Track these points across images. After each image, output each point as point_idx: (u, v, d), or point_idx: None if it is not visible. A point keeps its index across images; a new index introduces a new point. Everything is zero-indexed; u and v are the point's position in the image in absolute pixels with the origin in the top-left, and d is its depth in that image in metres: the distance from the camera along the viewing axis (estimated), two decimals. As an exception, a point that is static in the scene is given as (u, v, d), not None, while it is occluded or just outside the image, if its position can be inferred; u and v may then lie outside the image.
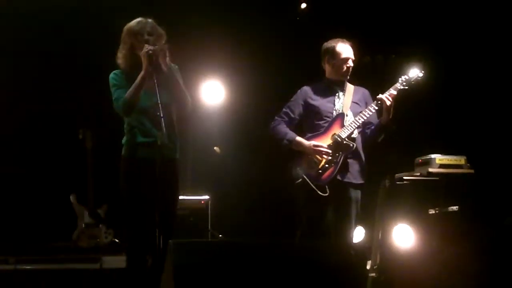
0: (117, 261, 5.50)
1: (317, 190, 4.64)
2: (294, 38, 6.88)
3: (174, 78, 4.30)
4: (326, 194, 4.63)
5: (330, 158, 4.69)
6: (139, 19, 4.37)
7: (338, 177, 4.70)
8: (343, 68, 4.85)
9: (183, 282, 3.21)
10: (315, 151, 4.72)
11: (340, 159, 4.69)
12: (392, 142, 5.07)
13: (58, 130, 6.68)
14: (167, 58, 4.33)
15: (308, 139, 4.79)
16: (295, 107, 4.92)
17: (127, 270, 4.37)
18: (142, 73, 4.21)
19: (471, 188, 5.40)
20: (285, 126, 4.88)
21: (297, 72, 5.00)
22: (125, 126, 4.42)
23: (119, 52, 4.39)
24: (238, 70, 7.07)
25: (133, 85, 4.23)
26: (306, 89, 4.96)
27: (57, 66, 6.70)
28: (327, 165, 4.69)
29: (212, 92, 7.22)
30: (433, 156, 5.50)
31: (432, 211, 5.48)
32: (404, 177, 5.60)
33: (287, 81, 4.96)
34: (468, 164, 5.51)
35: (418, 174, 5.56)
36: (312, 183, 4.67)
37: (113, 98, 4.34)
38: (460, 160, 5.52)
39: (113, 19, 5.22)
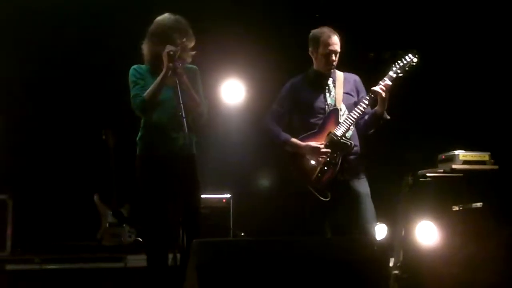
0: (141, 260, 5.52)
1: (318, 195, 4.44)
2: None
3: (185, 85, 4.25)
4: (328, 199, 4.43)
5: (328, 159, 4.46)
6: (170, 16, 4.35)
7: (340, 177, 4.49)
8: (327, 59, 4.59)
9: (206, 281, 3.22)
10: (313, 152, 4.48)
11: (338, 159, 4.46)
12: (414, 138, 4.99)
13: (81, 131, 6.72)
14: (186, 60, 4.34)
15: (302, 139, 4.56)
16: (285, 103, 4.68)
17: (147, 269, 4.37)
18: (162, 73, 4.21)
19: (495, 184, 5.35)
20: (275, 124, 4.65)
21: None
22: (142, 121, 4.42)
23: (145, 44, 4.37)
24: (258, 69, 7.06)
25: (153, 85, 4.23)
26: (294, 82, 4.73)
27: (80, 66, 6.74)
28: (325, 168, 4.46)
29: (232, 91, 7.23)
30: (456, 152, 5.46)
31: (455, 208, 5.44)
32: (427, 174, 5.56)
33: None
34: (492, 160, 5.47)
35: (442, 170, 5.52)
36: (312, 188, 4.46)
37: (131, 95, 4.33)
38: (484, 156, 5.47)
39: (137, 17, 5.25)
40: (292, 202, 4.79)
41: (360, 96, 4.69)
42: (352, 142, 4.52)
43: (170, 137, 4.25)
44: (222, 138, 7.05)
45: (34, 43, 6.61)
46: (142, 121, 4.41)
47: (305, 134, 4.58)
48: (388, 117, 4.60)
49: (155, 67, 4.33)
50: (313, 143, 4.51)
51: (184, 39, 4.26)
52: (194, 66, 4.45)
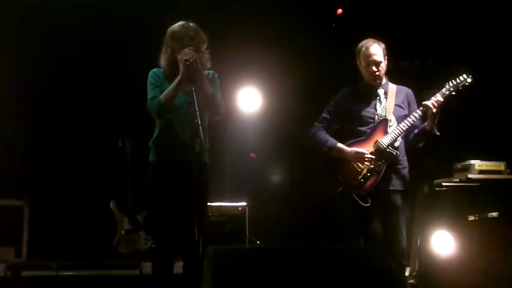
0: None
1: (358, 200, 4.48)
2: (332, 44, 6.87)
3: (206, 86, 4.26)
4: (368, 205, 4.47)
5: (372, 166, 4.52)
6: (181, 22, 4.36)
7: (382, 186, 4.52)
8: (368, 71, 4.65)
9: (222, 288, 3.23)
10: (357, 158, 4.53)
11: (382, 168, 4.51)
12: (430, 147, 4.99)
13: (98, 137, 6.76)
14: (205, 65, 4.36)
15: (349, 145, 4.60)
16: (335, 112, 4.74)
17: (152, 276, 4.34)
18: (178, 77, 4.21)
19: (511, 194, 5.33)
20: (324, 132, 4.70)
21: (334, 79, 4.97)
22: (156, 124, 4.40)
23: (162, 54, 4.40)
24: (275, 77, 7.09)
25: (168, 89, 4.23)
26: (345, 92, 4.79)
27: (97, 73, 6.79)
28: (369, 174, 4.52)
29: (249, 99, 7.25)
30: (472, 162, 5.46)
31: (471, 218, 5.43)
32: (443, 183, 5.57)
33: (324, 88, 4.92)
34: (508, 170, 5.46)
35: (457, 180, 5.52)
36: (354, 193, 4.51)
37: (148, 97, 4.33)
38: (500, 165, 5.47)
39: (153, 24, 5.28)
40: (331, 205, 4.79)
41: (411, 109, 4.72)
42: (398, 153, 4.56)
43: (183, 144, 4.23)
44: (238, 146, 7.07)
45: (50, 51, 6.67)
46: (156, 124, 4.41)
47: (352, 141, 4.64)
48: (438, 133, 4.60)
49: (170, 73, 4.35)
50: (358, 149, 4.57)
51: (195, 42, 4.27)
52: (212, 72, 4.47)
